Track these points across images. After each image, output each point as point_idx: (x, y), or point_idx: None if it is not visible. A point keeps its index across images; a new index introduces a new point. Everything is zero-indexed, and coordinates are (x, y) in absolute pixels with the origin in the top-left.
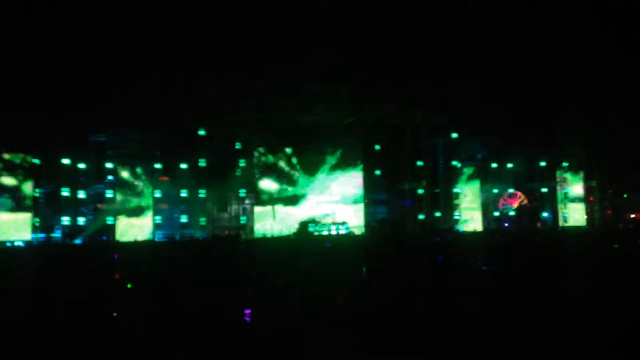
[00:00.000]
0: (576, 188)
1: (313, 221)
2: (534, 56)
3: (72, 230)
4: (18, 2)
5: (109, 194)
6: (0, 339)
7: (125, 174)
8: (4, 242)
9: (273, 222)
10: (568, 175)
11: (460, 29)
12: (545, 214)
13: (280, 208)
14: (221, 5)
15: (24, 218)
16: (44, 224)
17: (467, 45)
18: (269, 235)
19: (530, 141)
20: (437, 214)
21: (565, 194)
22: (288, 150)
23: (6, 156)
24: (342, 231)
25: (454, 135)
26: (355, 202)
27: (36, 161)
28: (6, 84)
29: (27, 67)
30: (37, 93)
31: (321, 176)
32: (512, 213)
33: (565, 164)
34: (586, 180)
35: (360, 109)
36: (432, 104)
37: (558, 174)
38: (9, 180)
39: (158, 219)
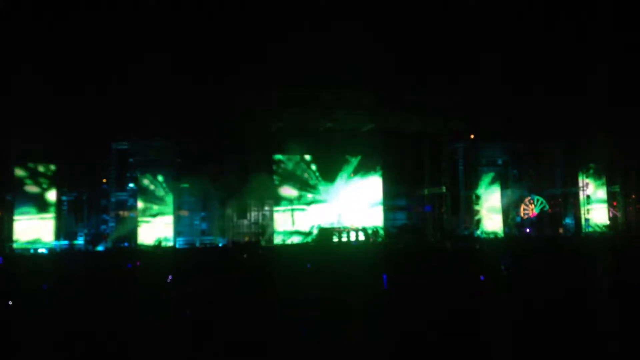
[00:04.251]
0: (599, 193)
1: (332, 227)
2: (554, 59)
3: (95, 237)
4: (41, 12)
5: (130, 201)
6: (24, 345)
7: (146, 182)
8: (27, 249)
9: (292, 228)
10: (591, 180)
11: (480, 34)
12: (568, 220)
13: (299, 214)
14: (241, 12)
15: (48, 225)
16: (67, 231)
17: (487, 50)
18: (288, 242)
19: (552, 146)
20: (458, 220)
21: (588, 199)
22: (307, 156)
23: (30, 164)
24: (362, 237)
25: (474, 140)
26: (375, 208)
27: (55, 167)
28: (29, 93)
29: (50, 77)
30: (60, 102)
31: (340, 182)
32: (533, 219)
33: (587, 169)
34: (609, 185)
35: (379, 115)
36: (452, 110)
37: (581, 178)
38: (32, 188)
39: (179, 225)
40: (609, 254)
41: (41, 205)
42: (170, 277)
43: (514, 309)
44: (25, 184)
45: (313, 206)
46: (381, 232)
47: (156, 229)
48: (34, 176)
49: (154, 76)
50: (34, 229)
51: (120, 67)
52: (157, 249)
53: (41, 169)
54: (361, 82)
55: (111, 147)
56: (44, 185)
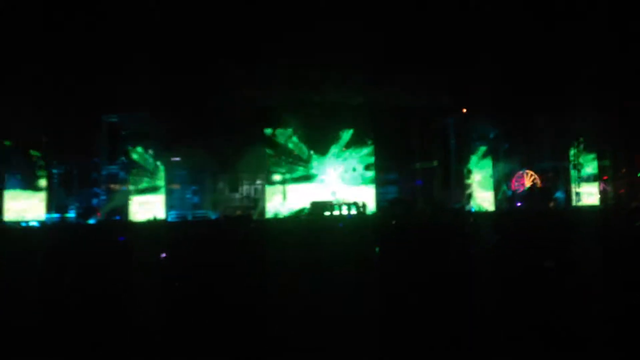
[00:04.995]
0: (590, 167)
1: (324, 202)
2: (545, 32)
3: (86, 211)
4: None
5: (121, 174)
6: (15, 321)
7: (137, 155)
8: (19, 222)
9: (284, 202)
10: (581, 154)
11: (468, 7)
12: (558, 193)
13: (291, 188)
14: None
15: (39, 198)
16: (58, 204)
17: (476, 23)
18: (280, 216)
19: (543, 119)
20: (449, 194)
21: (579, 172)
22: (298, 130)
23: (20, 137)
24: (353, 212)
25: (466, 114)
26: (367, 182)
27: (44, 139)
28: (18, 66)
29: (38, 48)
30: (50, 74)
31: (332, 156)
32: (524, 193)
33: (578, 143)
34: (600, 159)
35: (371, 90)
36: (443, 83)
37: (572, 152)
38: (22, 161)
39: (171, 199)
40: (597, 227)
41: (31, 178)
42: (163, 255)
43: (501, 278)
44: (14, 156)
45: (305, 180)
46: (367, 206)
47: (148, 203)
48: (24, 149)
49: (144, 49)
50: (25, 202)
51: (110, 39)
52: (152, 223)
53: (31, 141)
54: (351, 59)
55: (101, 119)
56: (34, 158)
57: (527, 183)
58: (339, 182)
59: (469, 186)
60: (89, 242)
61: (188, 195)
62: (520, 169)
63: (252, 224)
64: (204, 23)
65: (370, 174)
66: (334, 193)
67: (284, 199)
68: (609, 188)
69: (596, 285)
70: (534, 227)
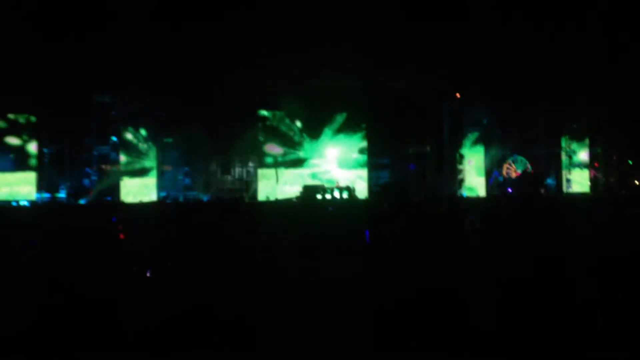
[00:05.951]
0: (581, 154)
1: (317, 185)
2: (540, 22)
3: (77, 191)
4: None
5: (113, 154)
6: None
7: (129, 135)
8: (9, 202)
9: (276, 185)
10: (573, 141)
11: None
12: (549, 180)
13: (283, 171)
14: None
15: (29, 178)
16: (49, 184)
17: (475, 11)
18: (272, 199)
19: (536, 106)
20: (442, 179)
21: (570, 159)
22: (293, 113)
23: (10, 116)
24: (345, 195)
25: (460, 99)
26: (359, 166)
27: (35, 119)
28: (10, 43)
29: (31, 26)
30: (43, 52)
31: (326, 140)
32: (515, 179)
33: (571, 130)
34: (591, 147)
35: (367, 74)
36: (438, 68)
37: (564, 139)
38: (13, 140)
39: (162, 180)
40: (589, 215)
41: (22, 158)
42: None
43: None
44: (5, 135)
45: (297, 163)
46: (356, 190)
47: (140, 183)
48: (15, 128)
49: (139, 30)
50: (15, 182)
51: (104, 18)
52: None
53: (21, 120)
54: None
55: (93, 99)
56: (25, 138)
57: (519, 169)
58: (332, 166)
59: (461, 171)
60: (80, 222)
61: (180, 177)
62: (512, 155)
63: (244, 206)
64: (199, 5)
65: (363, 158)
66: (331, 180)
67: (276, 182)
68: (600, 175)
69: (587, 275)
70: (525, 214)
